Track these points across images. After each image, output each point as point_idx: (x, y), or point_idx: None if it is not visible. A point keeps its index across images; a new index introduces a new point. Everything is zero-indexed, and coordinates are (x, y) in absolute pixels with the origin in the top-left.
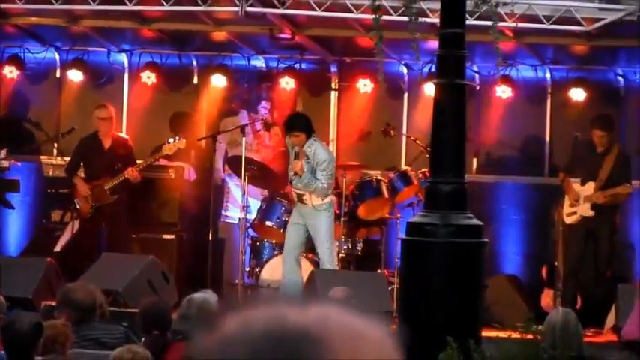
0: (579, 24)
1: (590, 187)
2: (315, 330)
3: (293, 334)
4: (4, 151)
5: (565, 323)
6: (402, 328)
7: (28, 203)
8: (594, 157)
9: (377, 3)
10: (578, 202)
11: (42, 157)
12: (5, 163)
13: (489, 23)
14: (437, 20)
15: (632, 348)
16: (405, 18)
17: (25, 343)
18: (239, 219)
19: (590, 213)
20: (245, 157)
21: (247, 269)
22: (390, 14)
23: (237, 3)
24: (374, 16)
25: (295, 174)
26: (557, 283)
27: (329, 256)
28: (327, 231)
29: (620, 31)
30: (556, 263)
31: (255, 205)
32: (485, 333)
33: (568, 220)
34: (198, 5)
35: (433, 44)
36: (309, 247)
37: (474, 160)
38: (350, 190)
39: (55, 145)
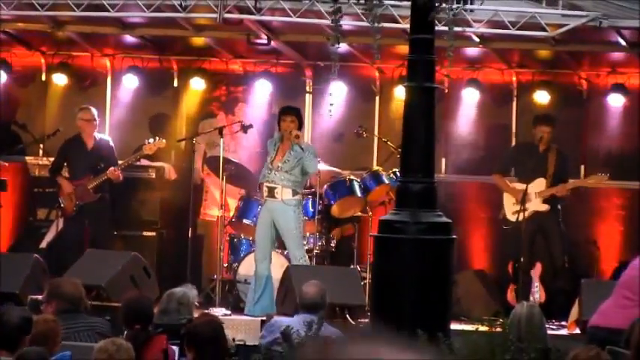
0: (544, 30)
1: (541, 183)
2: None
3: None
4: None
5: (530, 317)
6: (374, 322)
7: (15, 202)
8: (536, 155)
9: (337, 5)
10: (525, 199)
11: (28, 157)
12: None
13: (458, 29)
14: (407, 26)
15: (596, 337)
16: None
17: (13, 336)
18: (217, 217)
19: (545, 207)
20: (223, 158)
21: (225, 265)
22: (362, 20)
23: (216, 9)
24: (332, 17)
25: (297, 137)
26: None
27: (299, 251)
28: (297, 227)
29: (583, 36)
30: (522, 259)
31: (232, 203)
32: (453, 326)
33: (514, 218)
34: (178, 12)
35: (404, 49)
36: (283, 243)
37: (443, 160)
38: (323, 189)
39: (41, 145)
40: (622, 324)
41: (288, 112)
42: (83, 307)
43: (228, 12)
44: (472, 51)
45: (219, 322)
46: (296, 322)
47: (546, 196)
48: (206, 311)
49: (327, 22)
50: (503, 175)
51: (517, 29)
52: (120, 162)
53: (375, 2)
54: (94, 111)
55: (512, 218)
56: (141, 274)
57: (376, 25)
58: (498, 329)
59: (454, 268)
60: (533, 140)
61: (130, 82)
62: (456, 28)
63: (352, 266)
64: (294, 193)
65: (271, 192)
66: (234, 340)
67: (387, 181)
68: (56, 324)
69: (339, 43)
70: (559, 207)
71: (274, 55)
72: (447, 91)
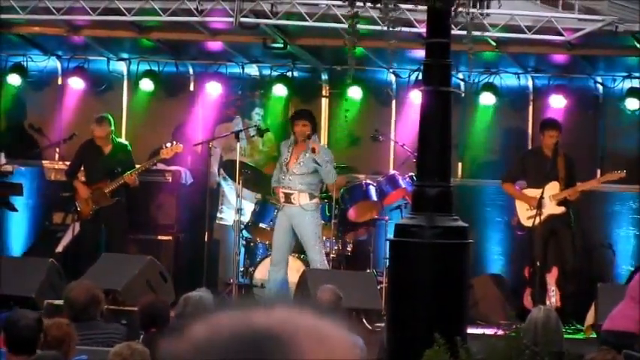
0: (560, 34)
1: (555, 186)
2: (280, 330)
3: (259, 334)
4: (2, 155)
5: (546, 321)
6: (391, 326)
7: (31, 206)
8: (545, 161)
9: (355, 10)
10: (542, 203)
11: (44, 161)
12: (9, 167)
13: (477, 33)
14: (423, 30)
15: (608, 342)
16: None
17: (30, 338)
18: (233, 221)
19: (560, 209)
20: (239, 162)
21: (241, 269)
22: (379, 24)
23: (232, 13)
24: (349, 21)
25: (313, 150)
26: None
27: (318, 256)
28: (315, 231)
29: (599, 40)
30: (538, 263)
31: (248, 207)
32: (470, 330)
33: (529, 223)
34: (194, 16)
35: (420, 53)
36: (300, 247)
37: (459, 165)
38: (340, 193)
39: (57, 150)
40: (629, 327)
41: (300, 116)
42: (98, 312)
43: (244, 16)
44: (488, 55)
45: None
46: None
47: (560, 199)
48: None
49: (344, 26)
50: (512, 182)
51: (533, 33)
52: (136, 166)
53: (390, 7)
54: (108, 125)
55: (527, 223)
56: (157, 279)
57: (392, 29)
58: (514, 333)
59: (470, 272)
60: (540, 146)
61: (146, 86)
62: (475, 33)
63: (368, 270)
64: (312, 197)
65: (288, 198)
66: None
67: (403, 185)
68: (70, 328)
69: (355, 48)
70: (570, 211)
71: (290, 59)
72: (463, 95)
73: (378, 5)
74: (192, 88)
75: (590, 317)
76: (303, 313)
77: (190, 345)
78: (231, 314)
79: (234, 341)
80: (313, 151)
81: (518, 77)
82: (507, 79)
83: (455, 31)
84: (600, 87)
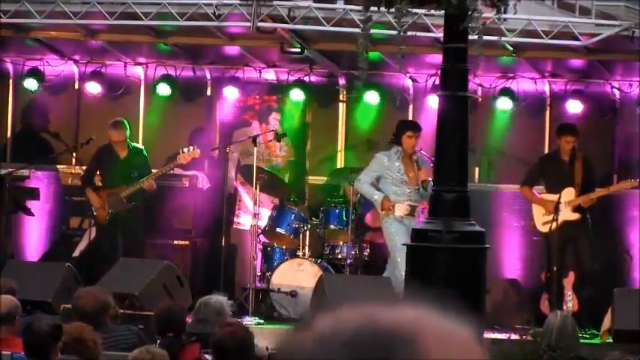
0: (577, 39)
1: (570, 192)
2: (407, 330)
3: (385, 333)
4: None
5: (562, 326)
6: None
7: (48, 210)
8: (563, 165)
9: (368, 14)
10: (559, 209)
11: (61, 166)
12: (26, 172)
13: (493, 38)
14: (440, 35)
15: None
16: (410, 33)
17: (42, 344)
18: (251, 226)
19: (575, 216)
20: (257, 167)
21: (259, 274)
22: (396, 29)
23: (249, 18)
24: (362, 25)
25: (425, 180)
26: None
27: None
28: None
29: (615, 45)
30: (555, 268)
31: (266, 212)
32: (487, 335)
33: (545, 229)
34: (212, 20)
35: (437, 58)
36: (318, 252)
37: (477, 169)
38: (357, 198)
39: (74, 154)
40: None
41: (412, 128)
42: (107, 317)
43: (262, 21)
44: (505, 60)
45: (246, 332)
46: None
47: (575, 205)
48: (232, 320)
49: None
50: (530, 187)
51: (550, 38)
52: (154, 171)
53: (404, 11)
54: (124, 129)
55: (543, 229)
56: (174, 283)
57: (404, 34)
58: (530, 338)
59: (487, 276)
60: (558, 150)
61: (164, 91)
62: (490, 37)
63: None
64: None
65: (413, 210)
66: (267, 348)
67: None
68: (92, 334)
69: (367, 52)
70: (588, 216)
71: (308, 63)
72: (479, 100)
73: (392, 10)
74: (209, 92)
75: (606, 322)
76: (429, 314)
77: (314, 337)
78: (356, 311)
79: (359, 338)
80: (425, 182)
81: (535, 82)
82: (524, 84)
83: (472, 36)
84: (617, 92)
